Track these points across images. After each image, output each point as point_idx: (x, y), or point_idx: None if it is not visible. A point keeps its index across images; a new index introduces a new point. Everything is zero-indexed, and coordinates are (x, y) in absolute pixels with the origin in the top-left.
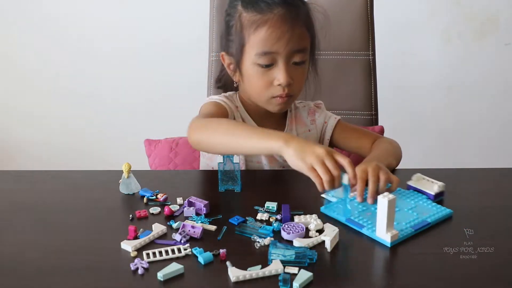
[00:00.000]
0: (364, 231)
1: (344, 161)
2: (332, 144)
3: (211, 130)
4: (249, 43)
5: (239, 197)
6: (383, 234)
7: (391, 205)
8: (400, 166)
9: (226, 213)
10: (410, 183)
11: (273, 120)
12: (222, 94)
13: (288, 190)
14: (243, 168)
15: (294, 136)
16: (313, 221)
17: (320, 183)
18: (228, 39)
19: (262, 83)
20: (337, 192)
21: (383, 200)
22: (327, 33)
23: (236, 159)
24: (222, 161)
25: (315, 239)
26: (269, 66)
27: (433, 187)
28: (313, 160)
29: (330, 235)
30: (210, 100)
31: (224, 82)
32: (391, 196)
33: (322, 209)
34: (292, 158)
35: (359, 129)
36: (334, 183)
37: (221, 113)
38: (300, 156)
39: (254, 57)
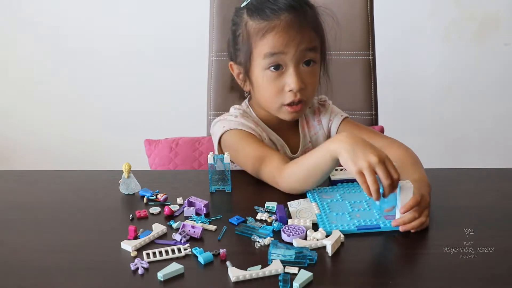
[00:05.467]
0: (384, 228)
1: (395, 174)
2: None
3: (296, 175)
4: (257, 50)
5: (239, 197)
6: None
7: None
8: None
9: (226, 213)
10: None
11: (287, 127)
12: (234, 113)
13: None
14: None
15: (350, 135)
16: (319, 232)
17: (367, 190)
18: (236, 48)
19: (272, 89)
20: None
21: (410, 187)
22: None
23: (226, 159)
24: (212, 162)
25: (318, 242)
26: (278, 68)
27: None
28: (363, 165)
29: (332, 239)
30: (230, 128)
31: (236, 88)
32: (408, 181)
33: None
34: (344, 160)
35: (369, 129)
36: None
37: (257, 141)
38: (352, 159)
39: (262, 62)
